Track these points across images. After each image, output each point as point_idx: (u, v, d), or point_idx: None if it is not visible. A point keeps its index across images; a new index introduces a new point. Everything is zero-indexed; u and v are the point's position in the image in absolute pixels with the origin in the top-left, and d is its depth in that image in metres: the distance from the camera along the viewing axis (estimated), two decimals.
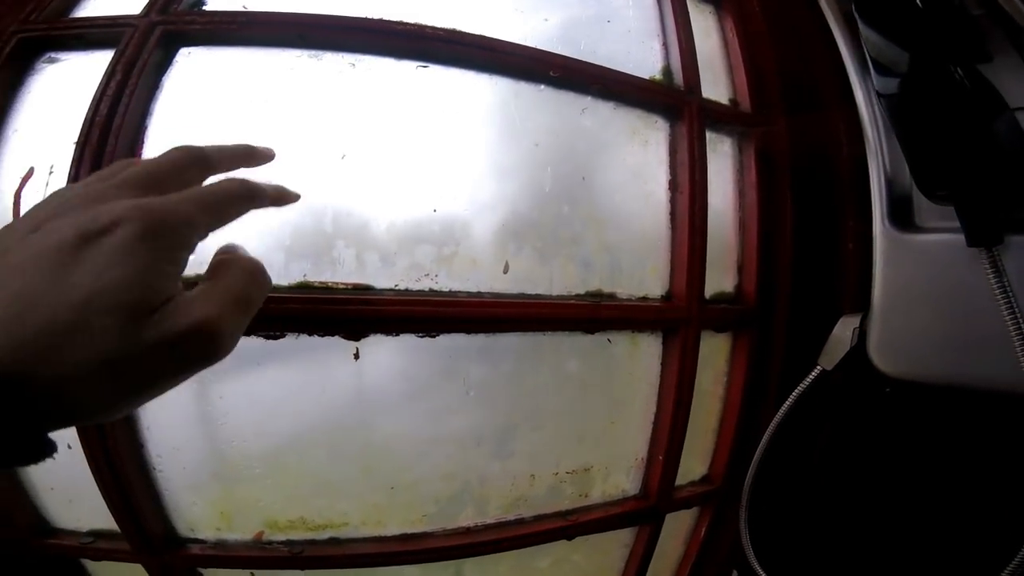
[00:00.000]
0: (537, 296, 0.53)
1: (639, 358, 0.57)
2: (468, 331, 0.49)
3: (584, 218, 0.57)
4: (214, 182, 0.28)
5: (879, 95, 0.48)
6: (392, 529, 0.54)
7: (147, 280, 0.21)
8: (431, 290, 0.49)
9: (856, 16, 0.46)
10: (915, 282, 0.47)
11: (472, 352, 0.50)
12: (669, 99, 0.61)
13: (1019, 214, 0.42)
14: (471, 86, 0.54)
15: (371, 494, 0.53)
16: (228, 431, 0.50)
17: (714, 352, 0.62)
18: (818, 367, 0.53)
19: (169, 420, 0.49)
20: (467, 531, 0.55)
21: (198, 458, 0.51)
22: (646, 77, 0.61)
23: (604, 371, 0.57)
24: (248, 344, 0.46)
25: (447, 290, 0.49)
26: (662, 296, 0.58)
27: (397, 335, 0.48)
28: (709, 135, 0.64)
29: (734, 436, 0.63)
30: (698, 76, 0.62)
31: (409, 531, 0.55)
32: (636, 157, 0.62)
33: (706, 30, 0.69)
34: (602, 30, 0.62)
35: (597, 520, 0.59)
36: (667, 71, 0.63)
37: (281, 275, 0.47)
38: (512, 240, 0.53)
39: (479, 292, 0.50)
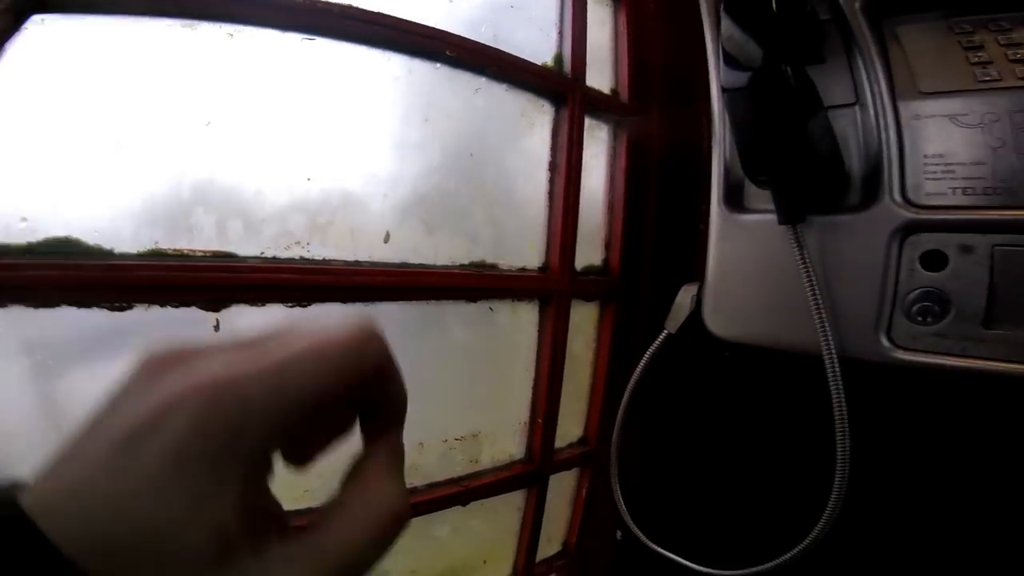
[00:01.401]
0: (421, 266, 0.53)
1: (519, 326, 0.60)
2: (343, 300, 0.48)
3: (472, 193, 0.59)
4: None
5: (722, 89, 0.54)
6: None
7: (197, 515, 0.15)
8: (302, 258, 0.47)
9: (722, 12, 0.49)
10: (740, 255, 0.55)
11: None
12: (557, 85, 0.64)
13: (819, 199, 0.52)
14: (361, 61, 0.52)
15: None
16: (72, 420, 0.44)
17: (585, 320, 0.68)
18: (665, 330, 0.60)
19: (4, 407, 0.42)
20: None
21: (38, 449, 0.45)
22: (539, 63, 0.64)
23: (488, 339, 0.59)
24: (90, 319, 0.41)
25: (320, 258, 0.48)
26: (539, 268, 0.61)
27: (263, 305, 0.45)
28: (588, 121, 0.69)
29: (603, 399, 0.69)
30: (585, 65, 0.66)
31: (299, 507, 0.54)
32: (523, 138, 0.64)
33: (601, 20, 0.73)
34: (506, 15, 0.63)
35: (489, 485, 0.61)
36: (559, 58, 0.67)
37: (128, 243, 0.42)
38: (396, 211, 0.53)
39: (357, 261, 0.49)
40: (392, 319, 0.52)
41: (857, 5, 0.54)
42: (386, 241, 0.51)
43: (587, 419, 0.72)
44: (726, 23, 0.49)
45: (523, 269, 0.60)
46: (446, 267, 0.54)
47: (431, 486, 0.58)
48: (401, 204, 0.54)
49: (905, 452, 0.56)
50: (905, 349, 0.46)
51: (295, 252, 0.47)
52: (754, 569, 0.56)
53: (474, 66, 0.58)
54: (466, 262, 0.55)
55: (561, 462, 0.69)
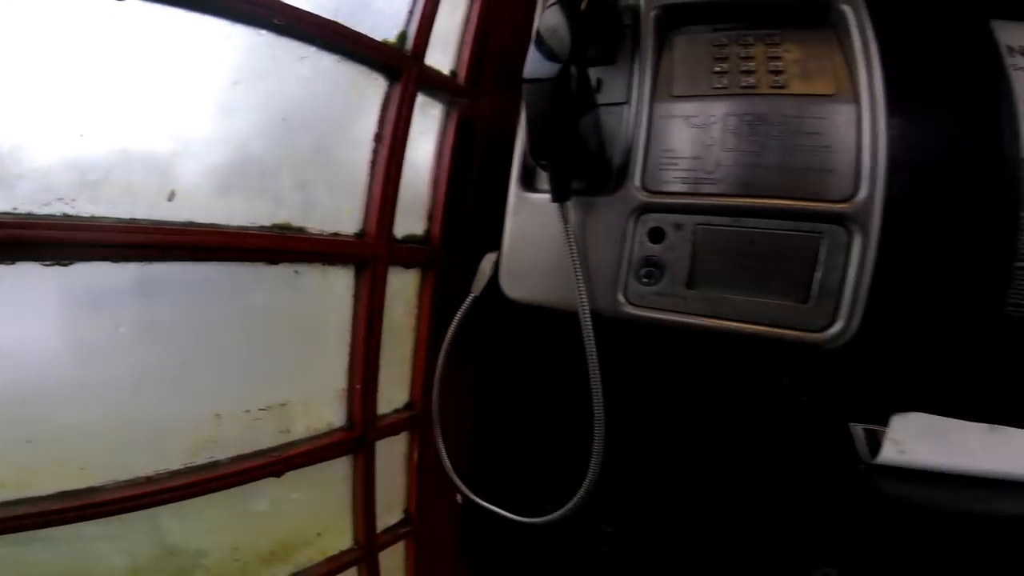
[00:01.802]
0: (212, 226, 0.53)
1: (331, 292, 0.63)
2: (114, 258, 0.46)
3: (280, 157, 0.58)
4: None
5: (524, 78, 0.60)
6: (46, 488, 0.49)
7: None
8: (64, 215, 0.44)
9: (550, 3, 0.53)
10: (529, 228, 0.63)
11: (124, 284, 0.48)
12: (393, 61, 0.66)
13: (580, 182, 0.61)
14: (171, 23, 0.50)
15: (9, 452, 0.46)
16: None
17: (405, 287, 0.72)
18: (471, 294, 0.67)
19: None
20: (147, 480, 0.53)
21: None
22: (380, 39, 0.65)
23: (296, 305, 0.60)
24: None
25: (88, 215, 0.45)
26: (355, 234, 0.64)
27: (13, 263, 0.42)
28: (423, 99, 0.72)
29: (426, 363, 0.74)
30: (427, 44, 0.69)
31: (70, 488, 0.50)
32: (350, 109, 0.65)
33: (455, 4, 0.76)
34: None
35: (305, 454, 0.62)
36: (403, 36, 0.68)
37: None
38: (187, 171, 0.52)
39: (133, 219, 0.47)
40: (176, 281, 0.51)
41: (652, 15, 0.63)
42: (170, 199, 0.49)
43: (411, 384, 0.76)
44: (553, 14, 0.54)
45: (336, 234, 0.62)
46: (242, 228, 0.54)
47: (236, 459, 0.58)
48: (194, 164, 0.52)
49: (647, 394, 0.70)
50: (634, 305, 0.57)
51: (56, 209, 0.44)
52: (553, 515, 0.66)
53: (302, 35, 0.58)
54: (267, 224, 0.56)
55: (386, 427, 0.72)
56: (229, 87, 0.55)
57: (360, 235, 0.64)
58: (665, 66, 0.62)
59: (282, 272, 0.58)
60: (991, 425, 0.60)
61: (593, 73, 0.65)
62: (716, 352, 0.67)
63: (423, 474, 0.80)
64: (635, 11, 0.65)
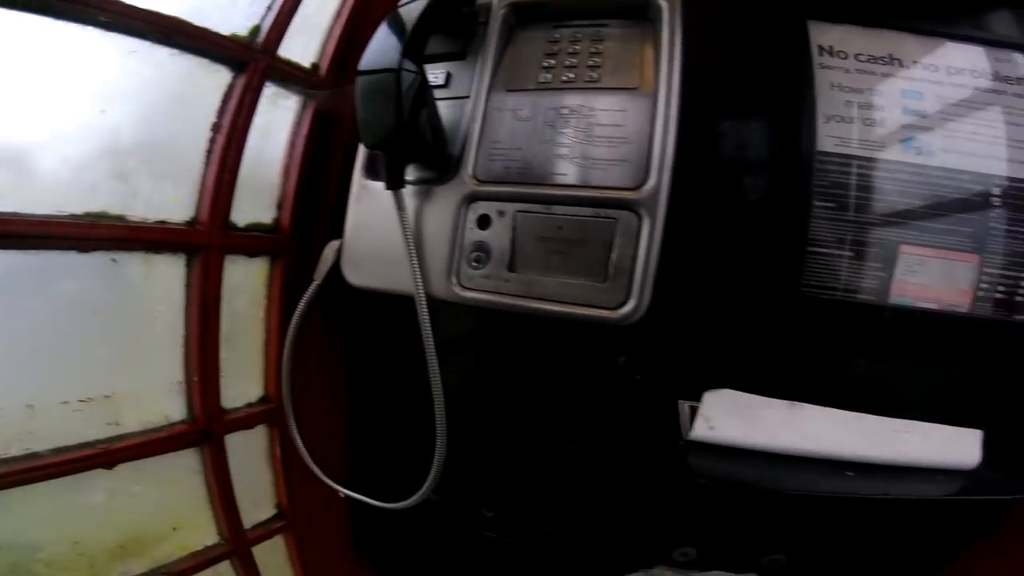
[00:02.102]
0: (13, 214, 0.51)
1: (158, 281, 0.61)
2: None
3: (98, 148, 0.57)
4: None
5: (358, 70, 0.61)
6: None
7: None
8: None
9: None
10: (369, 215, 0.65)
11: None
12: (237, 54, 0.66)
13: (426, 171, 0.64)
14: None
15: None
16: None
17: (251, 277, 0.72)
18: (314, 281, 0.68)
19: None
20: None
21: None
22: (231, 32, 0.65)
23: (114, 294, 0.58)
24: None
25: None
26: (186, 222, 0.63)
27: None
28: (276, 90, 0.73)
29: (279, 354, 0.73)
30: (280, 38, 0.69)
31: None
32: (186, 100, 0.65)
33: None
34: None
35: (137, 447, 0.61)
36: (255, 30, 0.68)
37: None
38: None
39: None
40: None
41: (500, 13, 0.66)
42: None
43: (265, 377, 0.76)
44: (399, 11, 0.57)
45: (162, 222, 0.61)
46: (47, 217, 0.52)
47: (58, 450, 0.56)
48: None
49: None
50: (465, 288, 0.60)
51: None
52: (408, 501, 0.68)
53: (132, 31, 0.58)
54: (79, 212, 0.55)
55: (238, 421, 0.72)
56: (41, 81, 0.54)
57: (192, 223, 0.64)
58: (505, 62, 0.66)
59: (96, 260, 0.56)
60: (791, 402, 0.66)
61: (445, 68, 0.68)
62: (541, 334, 0.71)
63: (294, 468, 0.78)
64: (488, 9, 0.68)
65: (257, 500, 0.77)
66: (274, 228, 0.74)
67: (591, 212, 0.57)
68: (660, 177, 0.56)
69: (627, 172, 0.57)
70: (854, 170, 0.66)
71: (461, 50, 0.68)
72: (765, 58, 0.72)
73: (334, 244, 0.67)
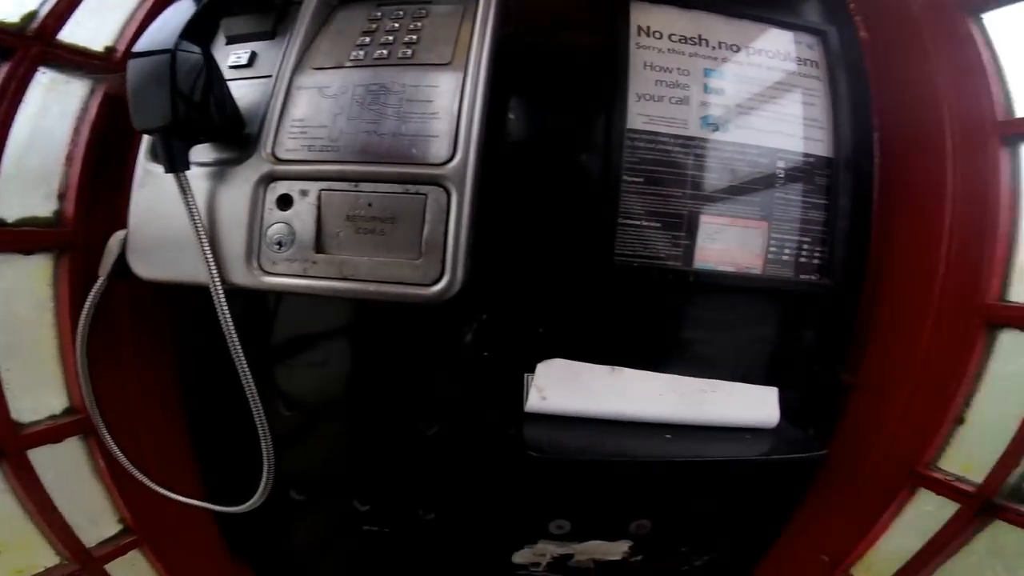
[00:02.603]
0: None
1: None
2: None
3: None
4: None
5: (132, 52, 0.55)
6: None
7: None
8: None
9: None
10: (155, 201, 0.58)
11: None
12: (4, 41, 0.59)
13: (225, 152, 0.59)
14: None
15: None
16: None
17: (30, 277, 0.62)
18: (99, 277, 0.60)
19: None
20: None
21: None
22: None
23: None
24: None
25: None
26: None
27: None
28: (55, 76, 0.66)
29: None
30: (60, 24, 0.63)
31: None
32: None
33: None
34: None
35: None
36: (29, 16, 0.62)
37: None
38: None
39: None
40: None
41: None
42: None
43: (68, 385, 0.66)
44: None
45: None
46: None
47: None
48: None
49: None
50: (268, 273, 0.56)
51: None
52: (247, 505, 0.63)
53: None
54: None
55: (39, 435, 0.63)
56: None
57: None
58: (319, 41, 0.63)
59: None
60: (613, 367, 0.70)
61: (251, 47, 0.64)
62: (374, 316, 0.69)
63: (131, 480, 0.70)
64: None
65: (94, 516, 0.70)
66: (55, 221, 0.64)
67: (400, 188, 0.55)
68: (467, 152, 0.55)
69: (436, 148, 0.56)
70: (660, 146, 0.70)
71: (271, 30, 0.65)
72: (585, 37, 0.74)
73: (119, 235, 0.59)
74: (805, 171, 0.73)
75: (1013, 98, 0.64)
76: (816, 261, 0.73)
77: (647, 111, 0.71)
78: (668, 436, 0.67)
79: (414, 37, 0.62)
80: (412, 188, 0.55)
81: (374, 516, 0.80)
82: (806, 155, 0.73)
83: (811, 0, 0.79)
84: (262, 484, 0.62)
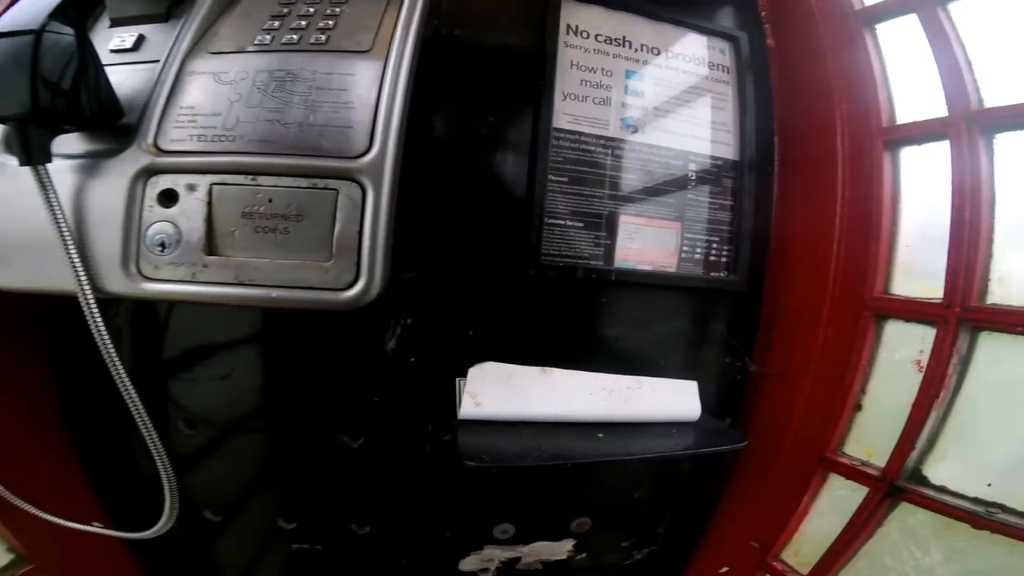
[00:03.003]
0: None
1: None
2: None
3: None
4: None
5: None
6: None
7: None
8: None
9: None
10: (11, 199, 0.49)
11: None
12: None
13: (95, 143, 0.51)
14: None
15: None
16: None
17: None
18: None
19: None
20: None
21: None
22: None
23: None
24: None
25: None
26: None
27: None
28: None
29: None
30: None
31: None
32: None
33: None
34: None
35: None
36: None
37: None
38: None
39: None
40: None
41: None
42: None
43: None
44: None
45: None
46: None
47: None
48: None
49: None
50: (150, 280, 0.49)
51: None
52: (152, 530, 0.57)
53: None
54: None
55: None
56: None
57: None
58: (219, 24, 0.57)
59: None
60: (543, 368, 0.68)
61: (138, 30, 0.58)
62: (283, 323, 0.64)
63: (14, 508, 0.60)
64: None
65: None
66: None
67: (307, 183, 0.50)
68: (385, 144, 0.51)
69: (350, 139, 0.52)
70: (583, 146, 0.71)
71: (164, 12, 0.58)
72: (515, 33, 0.73)
73: None
74: (714, 173, 0.76)
75: (896, 105, 0.71)
76: (724, 259, 0.76)
77: (572, 111, 0.71)
78: (600, 435, 0.67)
79: (331, 23, 0.57)
80: (321, 183, 0.50)
81: (302, 533, 0.75)
82: (715, 158, 0.77)
83: (726, 6, 0.84)
84: (166, 510, 0.56)
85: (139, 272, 0.49)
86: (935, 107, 0.64)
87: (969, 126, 0.61)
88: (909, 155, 0.69)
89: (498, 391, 0.66)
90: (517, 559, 0.80)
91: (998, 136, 0.60)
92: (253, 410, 0.70)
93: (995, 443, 0.60)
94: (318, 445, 0.70)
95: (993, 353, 0.60)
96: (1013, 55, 0.60)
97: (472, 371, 0.66)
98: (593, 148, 0.70)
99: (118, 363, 0.49)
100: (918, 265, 0.68)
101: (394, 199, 0.52)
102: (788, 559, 0.75)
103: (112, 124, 0.52)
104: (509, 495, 0.78)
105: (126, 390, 0.51)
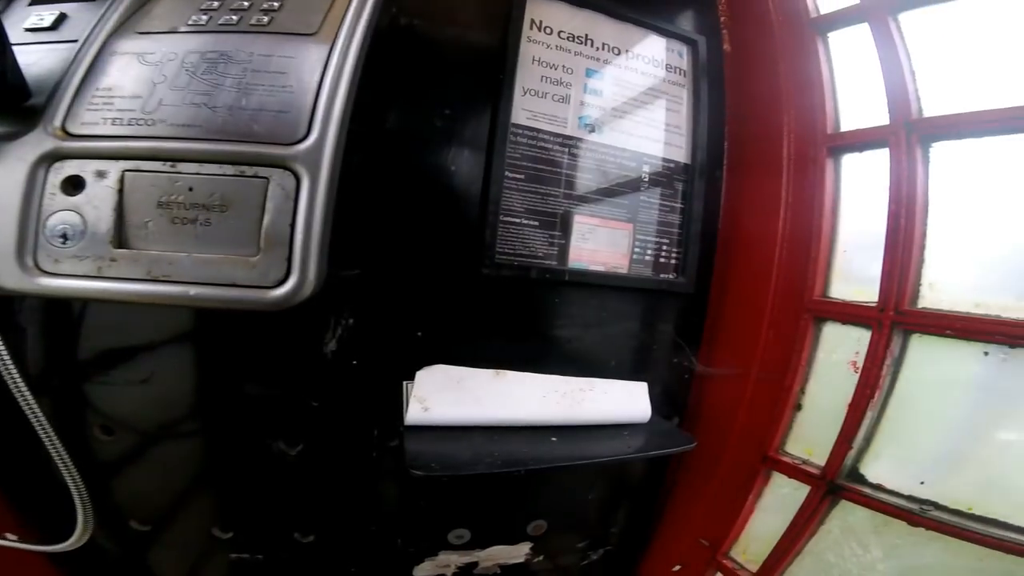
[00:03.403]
0: None
1: None
2: None
3: None
4: None
5: None
6: None
7: None
8: None
9: None
10: None
11: None
12: None
13: None
14: None
15: None
16: None
17: None
18: None
19: None
20: None
21: None
22: None
23: None
24: None
25: None
26: None
27: None
28: None
29: None
30: None
31: None
32: None
33: None
34: None
35: None
36: None
37: None
38: None
39: None
40: None
41: None
42: None
43: None
44: None
45: None
46: None
47: None
48: None
49: None
50: (49, 274, 0.44)
51: None
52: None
53: None
54: None
55: None
56: None
57: None
58: (152, 4, 0.53)
59: None
60: (496, 371, 0.67)
61: (60, 9, 0.53)
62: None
63: None
64: None
65: None
66: None
67: (234, 171, 0.46)
68: (325, 131, 0.48)
69: (285, 125, 0.48)
70: (541, 143, 0.69)
71: None
72: (476, 25, 0.71)
73: None
74: (666, 176, 0.76)
75: (841, 113, 0.72)
76: (673, 261, 0.77)
77: (531, 107, 0.69)
78: (554, 439, 0.66)
79: (276, 3, 0.53)
80: (249, 170, 0.46)
81: (241, 543, 0.71)
82: (667, 160, 0.77)
83: (687, 10, 0.84)
84: (79, 521, 0.51)
85: (36, 266, 0.44)
86: (877, 115, 0.66)
87: (908, 134, 0.63)
88: (850, 162, 0.72)
89: (448, 395, 0.64)
90: (475, 564, 0.78)
91: (934, 145, 0.63)
92: (179, 416, 0.64)
93: (926, 442, 0.62)
94: (252, 452, 0.66)
95: (924, 355, 0.62)
96: (955, 65, 0.62)
97: (420, 374, 0.64)
98: (550, 146, 0.69)
99: (10, 363, 0.44)
100: (855, 270, 0.70)
101: (333, 190, 0.49)
102: (737, 556, 0.77)
103: (17, 105, 0.46)
104: (463, 500, 0.76)
105: (21, 394, 0.45)
